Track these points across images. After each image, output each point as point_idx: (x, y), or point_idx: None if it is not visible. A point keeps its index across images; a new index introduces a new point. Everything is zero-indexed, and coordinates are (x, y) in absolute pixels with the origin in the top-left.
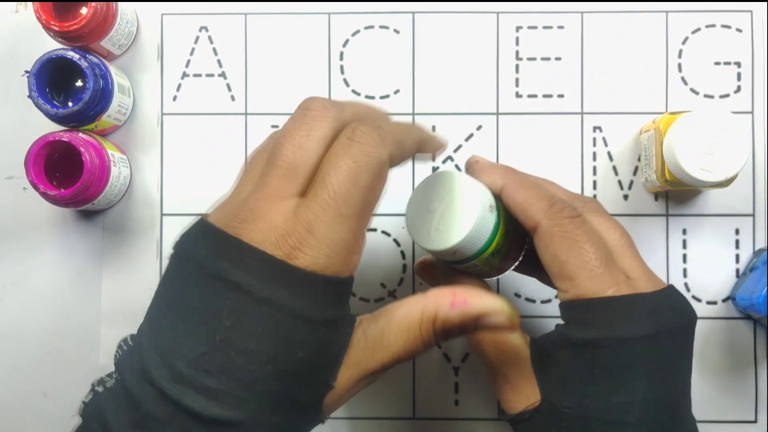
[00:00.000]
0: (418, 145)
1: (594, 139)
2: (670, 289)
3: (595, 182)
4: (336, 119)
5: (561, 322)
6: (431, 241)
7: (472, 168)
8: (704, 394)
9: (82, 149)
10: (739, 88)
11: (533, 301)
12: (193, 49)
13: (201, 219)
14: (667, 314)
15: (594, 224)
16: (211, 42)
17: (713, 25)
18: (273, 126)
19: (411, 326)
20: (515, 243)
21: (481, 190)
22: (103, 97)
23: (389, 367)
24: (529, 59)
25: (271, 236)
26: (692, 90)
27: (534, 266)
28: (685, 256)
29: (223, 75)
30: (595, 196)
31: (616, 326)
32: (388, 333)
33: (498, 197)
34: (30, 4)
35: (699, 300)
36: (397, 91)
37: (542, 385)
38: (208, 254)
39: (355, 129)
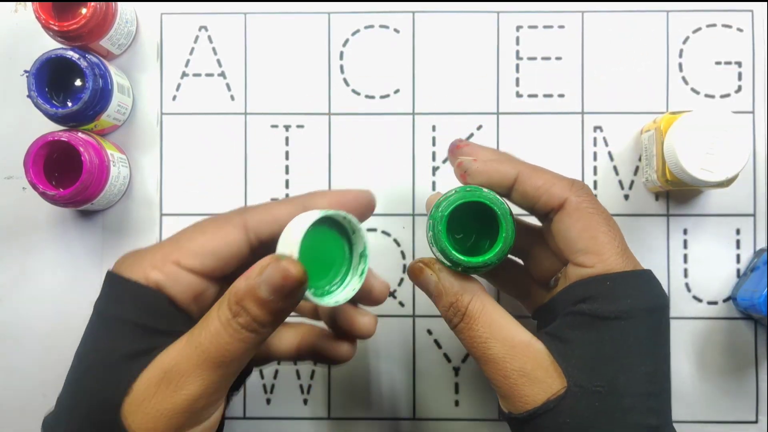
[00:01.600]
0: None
1: (594, 138)
2: (646, 272)
3: (595, 182)
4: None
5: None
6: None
7: (469, 168)
8: (704, 394)
9: (81, 149)
10: (739, 88)
11: None
12: (192, 48)
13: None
14: (659, 290)
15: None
16: (211, 42)
17: (714, 25)
18: (272, 126)
19: (210, 316)
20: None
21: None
22: (102, 96)
23: (214, 374)
24: (530, 59)
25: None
26: (693, 90)
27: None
28: (685, 256)
29: (222, 75)
30: (595, 196)
31: (642, 298)
32: (196, 330)
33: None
34: (30, 3)
35: (700, 300)
36: (397, 91)
37: (568, 371)
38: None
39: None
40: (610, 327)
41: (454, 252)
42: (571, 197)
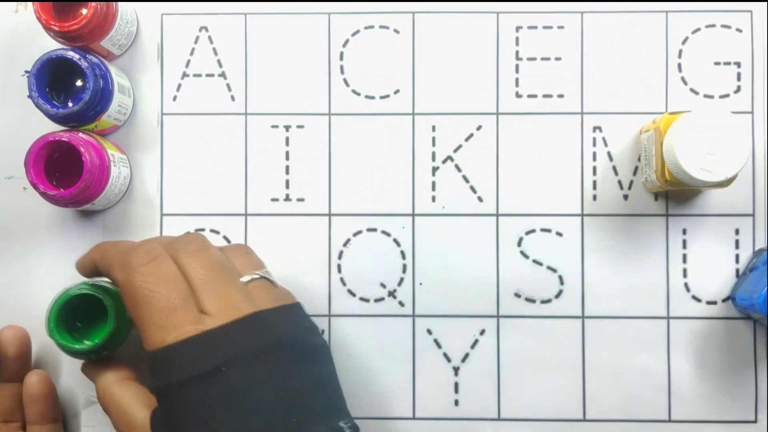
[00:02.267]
0: None
1: (594, 139)
2: (243, 318)
3: (594, 182)
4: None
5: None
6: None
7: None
8: (704, 394)
9: (82, 149)
10: (739, 88)
11: (533, 301)
12: (193, 49)
13: None
14: (228, 347)
15: (181, 263)
16: (211, 42)
17: (713, 25)
18: (273, 126)
19: None
20: None
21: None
22: (103, 97)
23: None
24: (529, 59)
25: None
26: (692, 90)
27: None
28: (685, 256)
29: (223, 75)
30: (594, 196)
31: (176, 370)
32: None
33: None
34: (30, 4)
35: (699, 300)
36: (397, 91)
37: None
38: None
39: None
40: (162, 403)
41: (58, 339)
42: (118, 277)
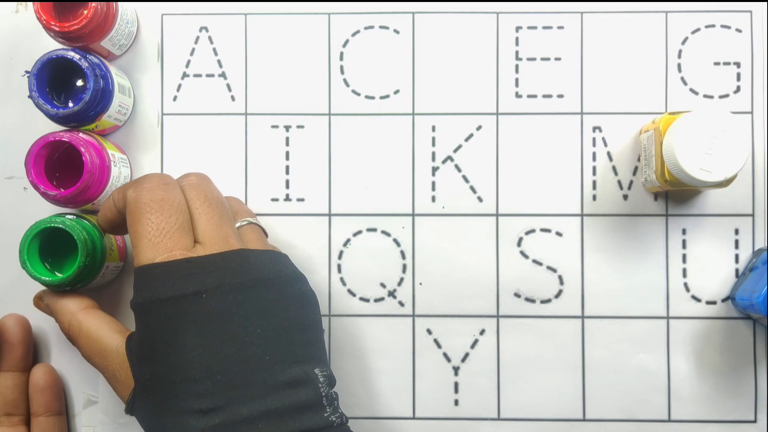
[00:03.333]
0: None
1: (594, 139)
2: (231, 252)
3: (594, 182)
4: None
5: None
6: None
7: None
8: (703, 394)
9: (82, 149)
10: (738, 89)
11: (533, 301)
12: (193, 49)
13: None
14: (211, 275)
15: (186, 192)
16: (211, 42)
17: (713, 26)
18: (273, 126)
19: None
20: None
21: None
22: (103, 97)
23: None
24: (529, 59)
25: None
26: (692, 90)
27: None
28: (684, 256)
29: (223, 75)
30: (594, 196)
31: (160, 288)
32: None
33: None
34: (30, 4)
35: (698, 300)
36: (397, 91)
37: (133, 368)
38: None
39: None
40: (139, 319)
41: (31, 270)
42: (129, 194)
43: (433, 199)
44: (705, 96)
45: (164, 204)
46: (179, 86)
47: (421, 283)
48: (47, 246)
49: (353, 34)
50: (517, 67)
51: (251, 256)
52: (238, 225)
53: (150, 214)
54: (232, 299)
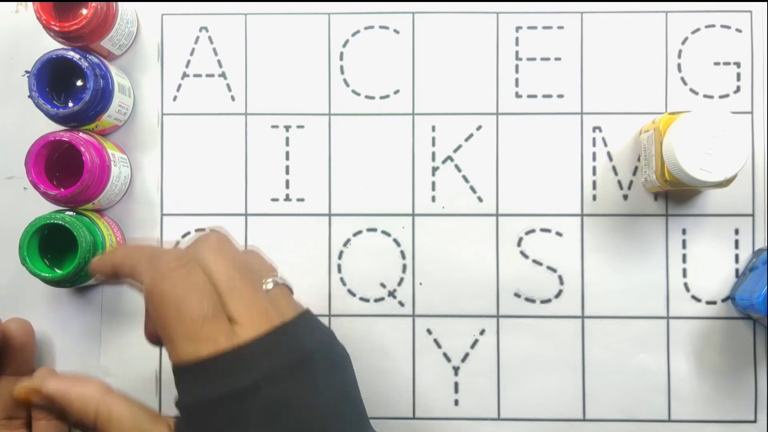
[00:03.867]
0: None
1: (594, 139)
2: (275, 330)
3: (594, 182)
4: None
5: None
6: None
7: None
8: (703, 394)
9: (82, 149)
10: (738, 89)
11: (533, 301)
12: (193, 49)
13: None
14: (264, 361)
15: (207, 264)
16: (211, 42)
17: (713, 26)
18: (273, 126)
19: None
20: None
21: None
22: (103, 97)
23: None
24: (529, 59)
25: None
26: (692, 90)
27: None
28: (684, 256)
29: (223, 75)
30: (594, 196)
31: (211, 385)
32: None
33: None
34: (30, 4)
35: (698, 300)
36: (397, 91)
37: None
38: None
39: None
40: (196, 418)
41: (31, 267)
42: (146, 279)
43: (433, 199)
44: (705, 96)
45: (190, 290)
46: (179, 86)
47: (421, 283)
48: (47, 243)
49: (353, 34)
50: (517, 67)
51: (294, 331)
52: (269, 287)
53: (178, 304)
54: (288, 383)
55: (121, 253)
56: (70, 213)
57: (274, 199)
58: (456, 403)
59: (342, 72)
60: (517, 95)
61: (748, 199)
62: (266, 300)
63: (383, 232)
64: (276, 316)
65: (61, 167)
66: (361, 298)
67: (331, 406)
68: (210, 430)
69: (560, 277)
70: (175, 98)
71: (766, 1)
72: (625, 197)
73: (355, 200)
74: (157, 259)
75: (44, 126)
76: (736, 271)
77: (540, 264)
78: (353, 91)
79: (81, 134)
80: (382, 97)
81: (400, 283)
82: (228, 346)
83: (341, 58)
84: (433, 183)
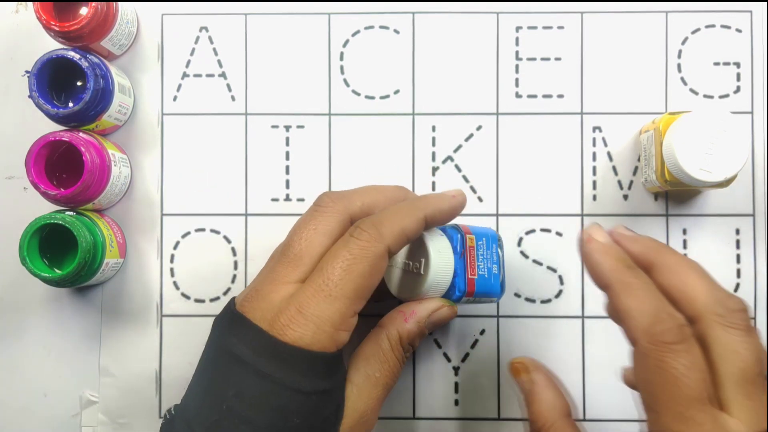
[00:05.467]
0: (423, 225)
1: (594, 139)
2: None
3: (594, 182)
4: (343, 212)
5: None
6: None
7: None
8: None
9: (82, 149)
10: (738, 89)
11: (533, 301)
12: (193, 49)
13: (231, 299)
14: None
15: (721, 343)
16: (212, 42)
17: (713, 26)
18: (273, 126)
19: (386, 355)
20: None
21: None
22: (103, 97)
23: (384, 398)
24: (529, 59)
25: (268, 315)
26: (692, 90)
27: None
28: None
29: (223, 75)
30: (594, 196)
31: None
32: (371, 371)
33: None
34: (30, 4)
35: None
36: (397, 91)
37: None
38: (222, 330)
39: (356, 227)
40: None
41: (31, 267)
42: (640, 342)
43: None
44: (705, 96)
45: (692, 368)
46: (179, 86)
47: None
48: (47, 243)
49: (353, 34)
50: (517, 67)
51: None
52: None
53: (677, 381)
54: None
55: (621, 277)
56: (70, 213)
57: (274, 199)
58: (456, 403)
59: (342, 72)
60: (517, 95)
61: (748, 199)
62: (761, 403)
63: None
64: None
65: (61, 167)
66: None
67: None
68: None
69: (560, 277)
70: (175, 98)
71: (766, 1)
72: (625, 197)
73: None
74: (660, 325)
75: (44, 126)
76: (737, 271)
77: (540, 264)
78: (353, 91)
79: (81, 134)
80: (382, 97)
81: None
82: None
83: (341, 58)
84: (434, 183)
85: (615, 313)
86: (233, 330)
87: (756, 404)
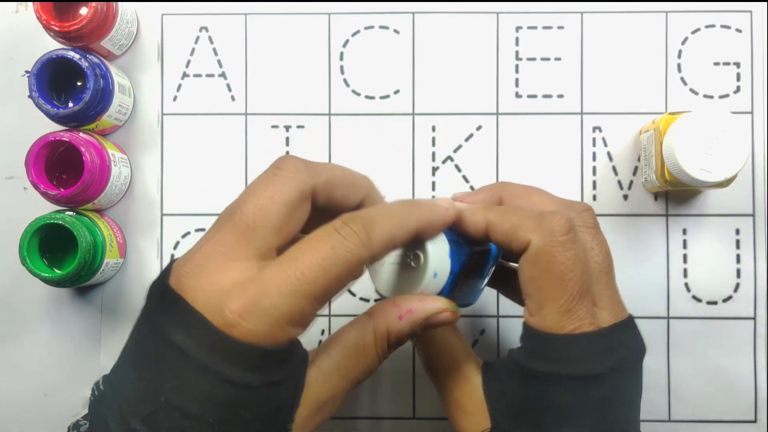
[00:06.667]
0: (412, 236)
1: (594, 139)
2: (627, 321)
3: (594, 182)
4: (306, 182)
5: None
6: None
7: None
8: (704, 394)
9: (82, 149)
10: (738, 89)
11: None
12: (193, 49)
13: (169, 263)
14: (619, 351)
15: (584, 240)
16: (212, 42)
17: (713, 26)
18: (273, 126)
19: (366, 349)
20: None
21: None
22: (103, 97)
23: (350, 391)
24: (529, 59)
25: (214, 300)
26: (692, 90)
27: (500, 282)
28: (685, 256)
29: (223, 75)
30: (594, 196)
31: (570, 363)
32: (344, 362)
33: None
34: (30, 4)
35: (699, 300)
36: (397, 91)
37: (493, 413)
38: (155, 308)
39: (346, 224)
40: (534, 384)
41: (31, 267)
42: (534, 240)
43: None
44: (705, 96)
45: (577, 262)
46: (179, 86)
47: None
48: (47, 242)
49: (353, 34)
50: (517, 67)
51: (635, 326)
52: None
53: (563, 276)
54: (628, 378)
55: (495, 212)
56: (70, 213)
57: None
58: None
59: (342, 72)
60: (517, 95)
61: (748, 199)
62: (616, 293)
63: None
64: (626, 309)
65: (61, 167)
66: (361, 298)
67: (638, 407)
68: (541, 400)
69: None
70: (175, 98)
71: (766, 1)
72: (625, 197)
73: None
74: (548, 221)
75: (44, 126)
76: (737, 271)
77: None
78: (353, 91)
79: (81, 134)
80: (382, 97)
81: None
82: (591, 330)
83: (341, 58)
84: (434, 183)
85: (501, 237)
86: (171, 313)
87: (613, 293)
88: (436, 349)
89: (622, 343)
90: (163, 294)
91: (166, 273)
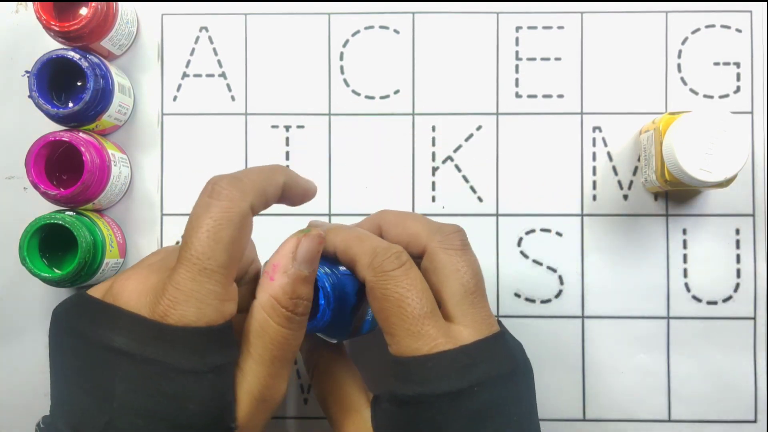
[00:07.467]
0: (281, 190)
1: (594, 139)
2: (494, 336)
3: (594, 182)
4: (241, 204)
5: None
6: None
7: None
8: (704, 394)
9: (82, 149)
10: (738, 89)
11: (533, 301)
12: (193, 49)
13: (78, 292)
14: (483, 365)
15: (450, 261)
16: (212, 42)
17: (713, 26)
18: (273, 126)
19: (264, 326)
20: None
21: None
22: (103, 97)
23: (281, 377)
24: (529, 59)
25: (144, 298)
26: (692, 90)
27: None
28: (685, 256)
29: (223, 75)
30: (594, 196)
31: (432, 383)
32: (254, 350)
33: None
34: (30, 4)
35: (699, 300)
36: (397, 91)
37: None
38: (89, 324)
39: (214, 185)
40: (405, 408)
41: (30, 267)
42: (367, 278)
43: (433, 199)
44: (705, 96)
45: (411, 289)
46: (179, 86)
47: None
48: (47, 243)
49: (353, 34)
50: (517, 67)
51: (506, 340)
52: None
53: (400, 303)
54: (498, 390)
55: (342, 242)
56: (70, 213)
57: None
58: None
59: (342, 72)
60: (517, 95)
61: (748, 199)
62: (488, 307)
63: None
64: (495, 324)
65: (61, 167)
66: None
67: (526, 417)
68: (418, 425)
69: (560, 277)
70: (175, 98)
71: (766, 1)
72: (625, 197)
73: (355, 200)
74: (378, 257)
75: (44, 126)
76: (737, 271)
77: (540, 264)
78: (353, 91)
79: (81, 134)
80: (382, 97)
81: None
82: (448, 348)
83: (341, 58)
84: (433, 183)
85: (347, 266)
86: (105, 321)
87: (480, 311)
88: (330, 385)
89: (486, 357)
90: (94, 309)
91: (83, 296)
